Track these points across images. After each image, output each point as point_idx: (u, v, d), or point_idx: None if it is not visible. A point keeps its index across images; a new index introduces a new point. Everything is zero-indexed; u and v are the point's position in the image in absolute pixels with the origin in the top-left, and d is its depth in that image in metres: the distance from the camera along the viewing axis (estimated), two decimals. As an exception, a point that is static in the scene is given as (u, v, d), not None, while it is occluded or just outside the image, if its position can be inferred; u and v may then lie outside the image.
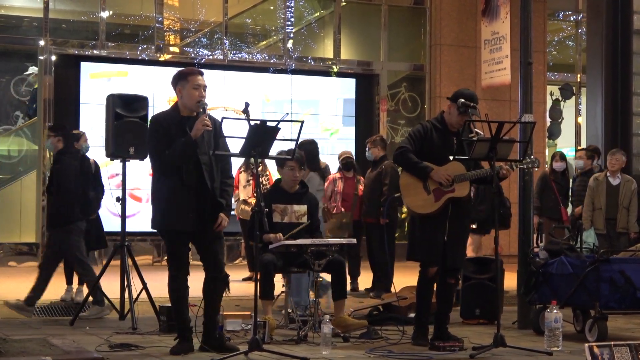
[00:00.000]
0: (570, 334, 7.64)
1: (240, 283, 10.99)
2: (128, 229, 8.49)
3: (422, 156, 6.98)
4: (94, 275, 8.50)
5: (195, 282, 6.59)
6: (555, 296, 7.31)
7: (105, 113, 8.45)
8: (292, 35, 15.32)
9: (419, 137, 7.04)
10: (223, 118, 6.58)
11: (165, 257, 8.83)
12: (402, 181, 7.10)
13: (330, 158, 13.32)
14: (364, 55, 16.16)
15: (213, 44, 15.06)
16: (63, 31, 14.48)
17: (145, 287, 8.19)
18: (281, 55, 15.26)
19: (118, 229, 8.42)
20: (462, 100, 6.94)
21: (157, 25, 14.47)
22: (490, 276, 8.55)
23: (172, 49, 14.86)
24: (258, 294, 6.47)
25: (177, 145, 6.35)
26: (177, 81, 6.52)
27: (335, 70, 15.50)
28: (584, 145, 14.43)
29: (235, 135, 6.42)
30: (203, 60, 14.67)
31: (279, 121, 6.39)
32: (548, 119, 16.74)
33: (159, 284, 8.04)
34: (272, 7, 15.87)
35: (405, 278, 9.55)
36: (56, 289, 9.49)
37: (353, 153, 12.01)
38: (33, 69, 14.85)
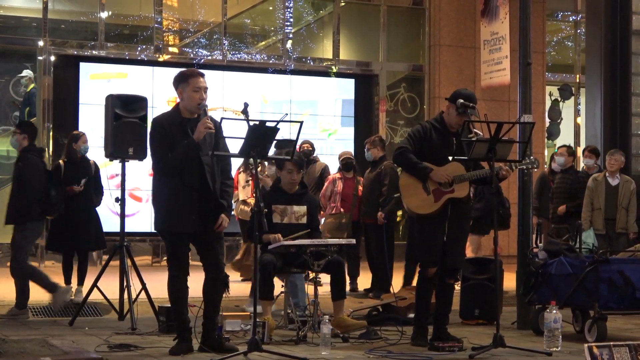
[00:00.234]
0: (570, 334, 7.65)
1: (239, 283, 10.99)
2: (128, 228, 8.49)
3: (421, 156, 6.98)
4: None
5: (195, 282, 6.60)
6: (555, 296, 7.31)
7: (104, 113, 8.45)
8: (291, 35, 15.32)
9: (419, 137, 7.04)
10: (222, 118, 6.59)
11: (165, 258, 8.84)
12: (402, 181, 7.10)
13: (329, 158, 13.34)
14: (363, 55, 16.16)
15: (212, 45, 15.06)
16: (62, 31, 14.48)
17: (144, 288, 8.19)
18: (280, 55, 15.27)
19: (118, 229, 8.42)
20: (461, 100, 6.95)
21: (156, 25, 14.47)
22: (490, 276, 8.55)
23: (171, 49, 14.86)
24: (257, 294, 6.48)
25: (179, 148, 6.35)
26: (178, 83, 6.52)
27: (335, 70, 15.50)
28: (583, 145, 14.43)
29: (234, 135, 6.42)
30: (202, 60, 14.67)
31: (278, 121, 6.40)
32: (547, 120, 16.74)
33: (158, 285, 8.05)
34: (271, 8, 15.87)
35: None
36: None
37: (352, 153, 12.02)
38: (27, 72, 14.86)
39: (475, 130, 6.91)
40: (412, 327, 7.25)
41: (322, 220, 10.40)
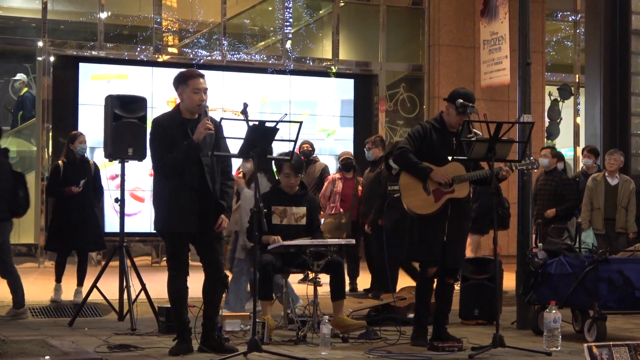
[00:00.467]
0: (569, 334, 7.65)
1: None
2: (129, 228, 8.48)
3: (421, 156, 6.98)
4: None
5: (195, 283, 6.60)
6: (554, 296, 7.31)
7: (103, 114, 8.45)
8: (290, 35, 15.32)
9: (419, 137, 7.04)
10: (222, 119, 6.60)
11: (165, 258, 8.83)
12: (402, 181, 7.10)
13: (329, 159, 13.35)
14: (362, 55, 16.16)
15: (211, 45, 15.06)
16: (61, 32, 14.47)
17: (144, 288, 8.19)
18: (280, 55, 15.26)
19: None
20: (461, 100, 6.95)
21: (155, 26, 14.47)
22: (489, 276, 8.55)
23: (170, 49, 14.86)
24: (256, 294, 6.48)
25: (179, 148, 6.35)
26: (177, 84, 6.52)
27: (334, 70, 15.50)
28: (582, 145, 14.43)
29: (234, 135, 6.43)
30: (201, 61, 14.66)
31: (277, 122, 6.40)
32: (547, 120, 16.74)
33: (158, 285, 8.05)
34: (270, 8, 15.87)
35: (404, 278, 9.56)
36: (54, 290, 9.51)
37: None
38: (20, 76, 14.86)
39: (474, 130, 6.91)
40: (411, 327, 7.25)
41: (322, 221, 10.40)
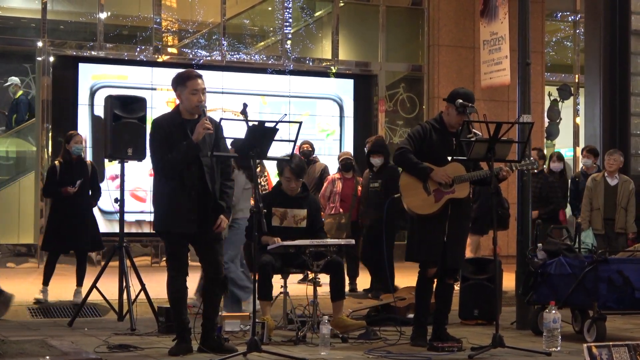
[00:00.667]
0: (569, 334, 7.65)
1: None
2: (130, 228, 8.48)
3: (421, 157, 6.98)
4: None
5: (194, 283, 6.60)
6: (554, 296, 7.31)
7: (103, 114, 8.44)
8: (290, 36, 15.32)
9: (419, 137, 7.04)
10: (221, 119, 6.60)
11: (164, 258, 8.83)
12: (402, 182, 7.09)
13: (328, 159, 13.34)
14: (362, 56, 16.16)
15: (211, 45, 15.06)
16: (61, 32, 14.47)
17: (143, 288, 8.19)
18: (279, 56, 15.26)
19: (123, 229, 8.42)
20: (460, 100, 6.95)
21: (155, 26, 14.47)
22: (489, 277, 8.55)
23: (170, 50, 14.86)
24: (256, 294, 6.48)
25: (179, 149, 6.36)
26: (176, 85, 6.53)
27: (334, 71, 15.50)
28: (582, 145, 14.43)
29: (233, 136, 6.43)
30: (201, 61, 14.67)
31: (277, 122, 6.40)
32: (546, 120, 16.75)
33: (157, 285, 8.05)
34: (270, 8, 15.87)
35: (404, 278, 9.56)
36: (55, 290, 9.51)
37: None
38: (12, 80, 14.86)
39: (474, 130, 6.91)
40: (411, 327, 7.25)
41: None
